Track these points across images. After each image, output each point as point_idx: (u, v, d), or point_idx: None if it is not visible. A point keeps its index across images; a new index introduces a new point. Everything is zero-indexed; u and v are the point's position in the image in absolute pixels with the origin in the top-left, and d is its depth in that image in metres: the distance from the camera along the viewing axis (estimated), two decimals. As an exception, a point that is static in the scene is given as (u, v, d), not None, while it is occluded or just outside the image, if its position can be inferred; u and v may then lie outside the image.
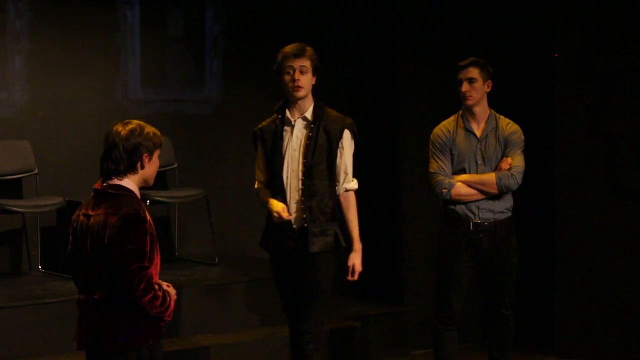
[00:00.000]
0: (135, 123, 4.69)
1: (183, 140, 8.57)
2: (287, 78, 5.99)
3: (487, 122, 6.69)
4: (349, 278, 6.22)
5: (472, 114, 6.67)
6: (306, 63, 6.02)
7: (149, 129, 4.70)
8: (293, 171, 5.99)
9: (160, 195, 8.07)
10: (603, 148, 8.09)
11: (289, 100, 6.07)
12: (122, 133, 4.62)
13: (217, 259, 8.29)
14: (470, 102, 6.62)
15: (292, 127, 6.04)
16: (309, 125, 6.00)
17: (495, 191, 6.58)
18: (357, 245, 6.20)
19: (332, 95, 9.00)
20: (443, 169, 6.63)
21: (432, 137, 6.72)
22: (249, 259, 8.66)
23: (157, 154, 4.72)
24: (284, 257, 6.13)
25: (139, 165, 4.64)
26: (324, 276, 6.11)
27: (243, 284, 7.81)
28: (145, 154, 4.65)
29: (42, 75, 8.08)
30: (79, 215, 4.70)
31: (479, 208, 6.61)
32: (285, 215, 5.93)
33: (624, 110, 8.04)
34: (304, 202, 5.95)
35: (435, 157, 6.66)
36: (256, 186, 6.22)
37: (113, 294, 4.55)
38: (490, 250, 6.63)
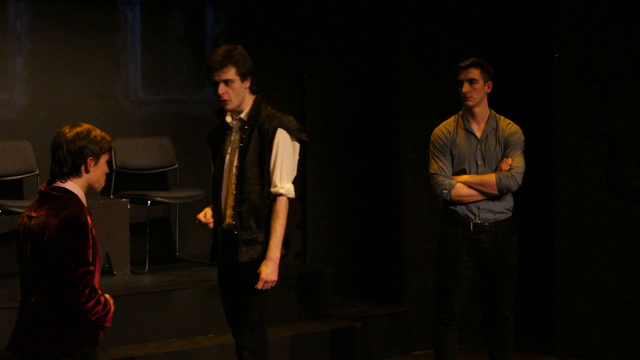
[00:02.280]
0: (84, 126, 4.60)
1: (183, 141, 8.57)
2: (214, 92, 5.65)
3: (487, 122, 6.69)
4: (256, 286, 5.70)
5: (472, 115, 6.66)
6: (229, 74, 5.59)
7: (97, 133, 4.61)
8: (228, 176, 5.70)
9: (160, 196, 8.07)
10: (603, 148, 8.10)
11: None
12: (67, 135, 4.56)
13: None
14: (470, 103, 6.61)
15: (231, 129, 5.75)
16: (243, 126, 5.69)
17: (495, 192, 6.58)
18: (271, 254, 5.67)
19: (332, 96, 9.04)
20: (443, 169, 6.62)
21: (432, 137, 6.71)
22: (249, 259, 8.65)
23: (104, 158, 4.63)
24: (220, 265, 5.90)
25: (82, 168, 4.57)
26: (255, 286, 5.71)
27: (244, 284, 7.79)
28: (90, 157, 4.57)
29: (43, 76, 8.07)
30: (23, 217, 4.63)
31: (479, 208, 6.61)
32: (204, 220, 5.78)
33: (624, 111, 8.05)
34: (234, 208, 5.66)
35: (435, 157, 6.65)
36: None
37: (51, 298, 4.49)
38: (491, 251, 6.62)
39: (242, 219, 5.65)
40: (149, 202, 8.02)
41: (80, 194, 4.59)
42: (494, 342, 6.86)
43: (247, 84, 5.65)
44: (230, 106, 5.62)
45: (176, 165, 8.47)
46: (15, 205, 7.53)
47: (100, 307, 4.57)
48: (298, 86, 9.05)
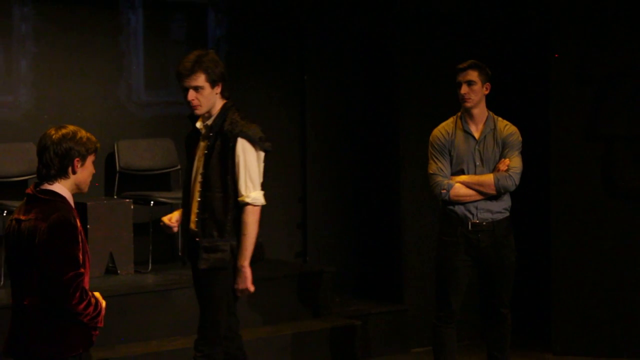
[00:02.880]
0: (69, 127, 4.55)
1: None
2: (185, 98, 5.57)
3: (485, 123, 6.69)
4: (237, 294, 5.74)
5: (471, 116, 6.67)
6: (199, 80, 5.52)
7: (83, 134, 4.56)
8: (195, 182, 5.64)
9: (163, 196, 8.08)
10: (599, 149, 8.12)
11: None
12: (53, 136, 4.50)
13: (219, 259, 8.27)
14: (468, 104, 6.62)
15: (200, 135, 5.69)
16: (208, 133, 5.63)
17: (493, 192, 6.59)
18: (237, 263, 5.62)
19: (331, 98, 9.05)
20: (442, 169, 6.62)
21: (431, 138, 6.72)
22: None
23: (90, 159, 4.58)
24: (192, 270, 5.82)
25: (69, 169, 4.52)
26: (212, 294, 5.68)
27: (245, 282, 7.80)
28: (77, 159, 4.52)
29: (47, 78, 8.07)
30: (11, 220, 4.58)
31: (477, 208, 6.61)
32: (168, 223, 5.73)
33: (620, 111, 8.07)
34: (198, 215, 5.60)
35: (434, 158, 6.66)
36: None
37: (43, 300, 4.46)
38: (488, 250, 6.63)
39: (205, 226, 5.59)
40: (152, 202, 8.02)
41: (68, 196, 4.55)
42: (491, 339, 6.87)
43: (218, 89, 5.58)
44: (199, 112, 5.57)
45: (178, 166, 8.46)
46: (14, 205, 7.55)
47: (91, 308, 4.53)
48: (298, 88, 9.05)
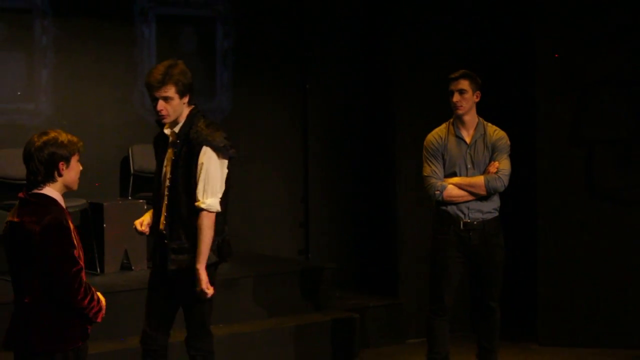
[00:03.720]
0: (50, 133, 4.50)
1: (195, 146, 8.55)
2: (155, 108, 5.41)
3: (475, 129, 6.70)
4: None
5: (462, 122, 6.67)
6: (169, 91, 5.35)
7: (63, 137, 4.50)
8: (164, 186, 5.52)
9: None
10: (582, 152, 8.12)
11: None
12: (36, 144, 4.46)
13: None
14: (460, 111, 6.63)
15: (168, 141, 5.55)
16: (176, 140, 5.49)
17: (483, 192, 6.59)
18: (195, 266, 5.45)
19: (332, 105, 9.06)
20: (435, 172, 6.63)
21: (425, 143, 6.72)
22: (255, 255, 8.66)
23: (74, 159, 4.53)
24: (155, 269, 5.70)
25: (55, 173, 4.47)
26: (195, 292, 5.54)
27: (250, 278, 7.80)
28: (61, 162, 4.47)
29: (66, 87, 8.08)
30: (6, 223, 4.54)
31: (468, 208, 6.62)
32: (139, 228, 5.60)
33: (601, 117, 8.08)
34: (166, 218, 5.49)
35: (428, 161, 6.66)
36: None
37: (43, 298, 4.44)
38: (479, 247, 6.63)
39: (172, 229, 5.48)
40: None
41: (59, 198, 4.51)
42: (481, 331, 6.88)
43: (186, 99, 5.43)
44: (167, 120, 5.44)
45: (189, 169, 8.46)
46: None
47: (94, 303, 4.54)
48: (301, 96, 9.06)
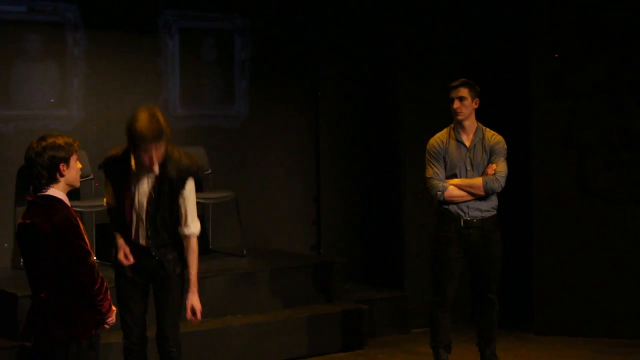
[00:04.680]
0: (48, 138, 4.49)
1: (215, 150, 8.56)
2: (144, 156, 5.27)
3: (475, 133, 6.70)
4: (190, 317, 5.62)
5: (462, 127, 6.68)
6: (162, 144, 5.28)
7: (61, 140, 4.49)
8: (139, 215, 5.44)
9: (196, 197, 8.06)
10: (574, 155, 8.11)
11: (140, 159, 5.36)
12: (36, 149, 4.45)
13: (244, 251, 8.27)
14: (460, 117, 6.64)
15: (141, 175, 5.44)
16: (155, 176, 5.41)
17: (482, 193, 6.60)
18: (194, 287, 5.59)
19: (342, 111, 9.07)
20: (437, 174, 6.64)
21: (427, 147, 6.73)
22: (272, 250, 8.68)
23: (73, 159, 4.52)
24: (135, 270, 5.57)
25: (57, 175, 4.46)
26: (178, 300, 5.65)
27: (267, 272, 7.81)
28: (62, 164, 4.46)
29: (96, 95, 8.09)
30: (18, 225, 4.54)
31: (468, 207, 6.62)
32: (125, 261, 5.48)
33: (592, 123, 8.07)
34: (151, 238, 5.48)
35: (430, 163, 6.67)
36: (105, 204, 5.69)
37: (59, 292, 4.43)
38: (478, 244, 6.64)
39: (159, 246, 5.51)
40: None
41: (63, 197, 4.50)
42: (481, 321, 6.87)
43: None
44: (156, 167, 5.33)
45: (209, 171, 8.45)
46: (74, 205, 7.53)
47: (108, 295, 4.57)
48: (313, 102, 9.05)
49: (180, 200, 5.49)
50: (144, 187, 5.45)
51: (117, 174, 5.50)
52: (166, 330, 5.66)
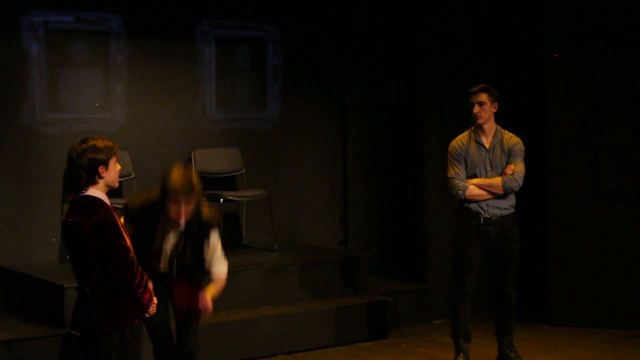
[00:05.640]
0: (89, 141, 4.46)
1: (249, 151, 8.57)
2: (173, 209, 5.23)
3: (494, 135, 6.68)
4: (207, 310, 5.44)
5: (482, 130, 6.65)
6: (192, 201, 5.27)
7: (101, 143, 4.45)
8: (163, 257, 5.40)
9: (231, 195, 8.07)
10: (588, 156, 8.07)
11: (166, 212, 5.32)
12: (77, 151, 4.43)
13: (276, 246, 8.28)
14: (480, 121, 6.61)
15: (165, 226, 5.39)
16: (179, 231, 5.39)
17: (501, 192, 6.57)
18: (214, 293, 5.44)
19: (368, 115, 9.05)
20: (459, 174, 6.61)
21: (449, 148, 6.71)
22: (301, 245, 8.67)
23: (112, 161, 4.48)
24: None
25: (96, 177, 4.43)
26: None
27: (296, 266, 7.82)
28: (101, 167, 4.43)
29: (138, 99, 8.11)
30: (62, 223, 4.53)
31: (487, 205, 6.59)
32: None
33: (605, 126, 8.02)
34: (170, 265, 5.43)
35: (452, 164, 6.64)
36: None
37: (102, 286, 4.42)
38: (497, 240, 6.61)
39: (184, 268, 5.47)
40: (222, 200, 8.02)
41: (103, 197, 4.47)
42: (499, 313, 6.85)
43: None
44: (182, 221, 5.30)
45: (243, 170, 8.46)
46: (115, 202, 7.56)
47: (148, 288, 4.55)
48: (341, 106, 9.05)
49: (205, 249, 5.46)
50: (170, 240, 5.41)
51: (141, 224, 5.38)
52: (191, 337, 5.59)
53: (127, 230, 4.58)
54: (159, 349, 5.65)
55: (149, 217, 5.37)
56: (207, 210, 5.50)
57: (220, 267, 5.54)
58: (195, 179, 5.29)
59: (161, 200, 5.28)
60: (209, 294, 5.39)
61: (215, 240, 5.51)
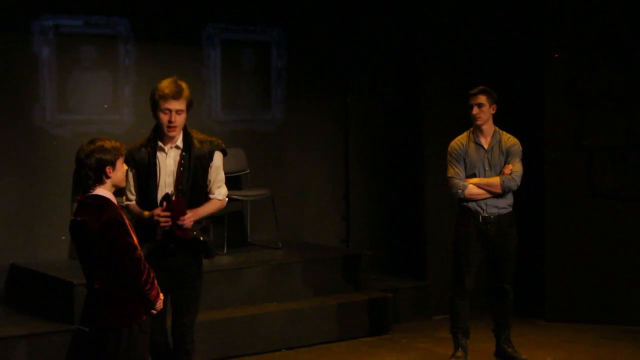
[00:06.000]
0: (97, 142, 4.46)
1: (253, 151, 8.57)
2: (164, 117, 5.11)
3: (492, 136, 6.67)
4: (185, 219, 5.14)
5: (481, 131, 6.65)
6: (182, 105, 5.11)
7: (108, 144, 4.46)
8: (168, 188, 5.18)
9: (236, 194, 8.07)
10: (584, 157, 8.05)
11: (162, 132, 5.20)
12: (85, 151, 4.44)
13: (280, 244, 8.29)
14: (479, 122, 6.61)
15: (165, 154, 5.24)
16: (180, 153, 5.22)
17: (499, 191, 6.56)
18: (196, 211, 5.19)
19: (369, 115, 9.05)
20: (458, 173, 6.61)
21: (449, 149, 6.71)
22: (304, 243, 8.67)
23: (119, 162, 4.48)
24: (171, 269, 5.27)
25: (104, 177, 4.44)
26: (199, 296, 5.42)
27: (300, 263, 7.82)
28: (108, 167, 4.43)
29: (145, 101, 7.95)
30: (70, 221, 4.53)
31: (486, 204, 6.59)
32: (163, 221, 5.08)
33: (600, 127, 8.01)
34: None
35: (451, 164, 6.64)
36: (125, 202, 5.28)
37: (111, 283, 4.42)
38: (495, 238, 6.61)
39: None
40: (227, 199, 8.03)
41: (110, 196, 4.47)
42: (497, 309, 6.85)
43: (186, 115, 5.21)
44: (176, 132, 5.16)
45: (247, 170, 8.47)
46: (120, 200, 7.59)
47: (155, 285, 4.55)
48: (342, 108, 9.05)
49: (210, 172, 5.29)
50: (172, 165, 5.22)
51: (140, 160, 5.24)
52: (184, 329, 5.39)
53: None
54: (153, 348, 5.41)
55: (146, 151, 5.22)
56: (202, 135, 5.34)
57: (219, 190, 5.34)
58: (185, 86, 5.16)
59: (153, 115, 5.14)
60: (195, 211, 5.19)
61: (218, 163, 5.33)
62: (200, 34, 8.35)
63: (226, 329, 7.10)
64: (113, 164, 4.47)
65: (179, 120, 5.17)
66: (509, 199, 6.64)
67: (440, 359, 7.00)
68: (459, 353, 6.76)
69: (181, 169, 5.23)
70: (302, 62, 8.81)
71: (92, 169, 4.42)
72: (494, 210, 6.60)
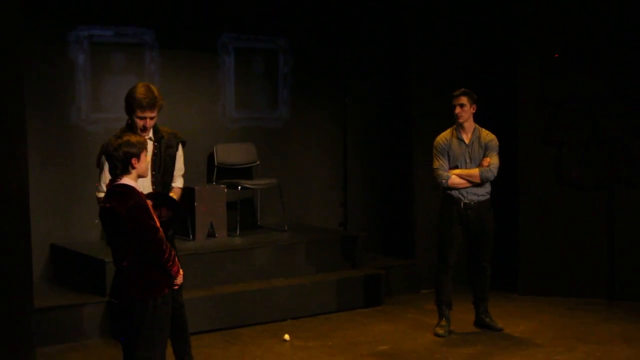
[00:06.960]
0: (123, 137, 4.46)
1: (262, 146, 8.56)
2: (139, 122, 5.12)
3: (472, 132, 6.67)
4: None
5: (462, 128, 6.65)
6: (155, 112, 5.15)
7: (134, 139, 4.45)
8: (144, 180, 5.05)
9: (247, 183, 8.08)
10: (552, 150, 8.04)
11: (135, 130, 5.15)
12: (113, 145, 4.43)
13: (286, 227, 8.29)
14: (461, 120, 6.61)
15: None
16: (154, 144, 5.25)
17: (478, 181, 6.57)
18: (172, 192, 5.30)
19: (365, 114, 9.02)
20: (442, 165, 6.61)
21: (434, 143, 6.71)
22: (308, 226, 8.66)
23: (143, 154, 4.46)
24: None
25: (130, 167, 4.43)
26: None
27: (304, 243, 7.81)
28: (134, 159, 4.42)
29: (167, 102, 7.93)
30: (100, 208, 4.53)
31: (467, 192, 6.60)
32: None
33: (567, 125, 8.00)
34: (155, 190, 5.21)
35: (436, 157, 6.64)
36: (98, 194, 5.21)
37: (137, 261, 4.40)
38: (475, 222, 6.62)
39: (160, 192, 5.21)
40: (240, 187, 8.02)
41: (135, 185, 4.45)
42: (476, 284, 6.87)
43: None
44: (148, 134, 5.19)
45: (257, 162, 8.45)
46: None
47: (176, 262, 4.52)
48: (342, 107, 9.03)
49: (175, 162, 5.35)
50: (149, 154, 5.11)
51: None
52: (182, 303, 5.40)
53: (154, 213, 4.54)
54: None
55: None
56: (167, 128, 5.37)
57: (180, 179, 5.42)
58: (157, 93, 5.17)
59: (128, 114, 5.13)
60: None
61: (181, 152, 5.40)
62: (216, 42, 8.33)
63: (239, 301, 7.11)
64: (138, 156, 4.45)
65: (151, 123, 5.20)
66: (487, 188, 6.65)
67: (426, 328, 7.01)
68: (443, 322, 6.78)
69: (154, 157, 5.26)
70: (306, 67, 8.79)
71: (120, 160, 4.41)
72: (474, 198, 6.60)
